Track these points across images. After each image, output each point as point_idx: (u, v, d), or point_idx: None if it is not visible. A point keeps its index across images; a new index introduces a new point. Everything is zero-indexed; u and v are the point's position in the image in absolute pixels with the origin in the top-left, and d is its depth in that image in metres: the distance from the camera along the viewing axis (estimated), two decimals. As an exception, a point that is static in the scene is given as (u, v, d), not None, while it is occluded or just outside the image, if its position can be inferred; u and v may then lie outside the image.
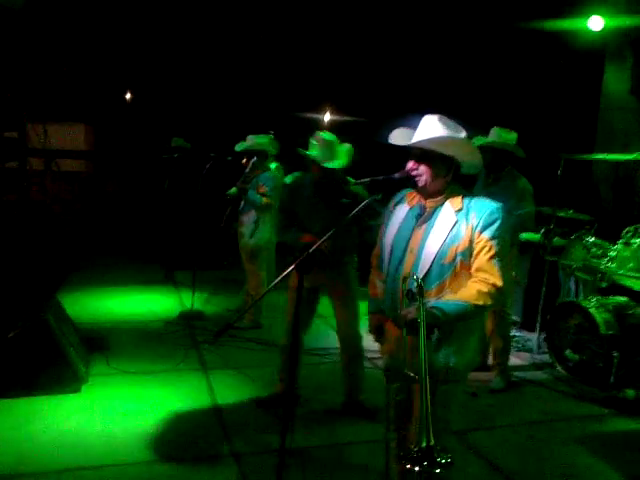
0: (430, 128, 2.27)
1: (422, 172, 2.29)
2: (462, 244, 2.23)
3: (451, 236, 2.25)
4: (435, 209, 2.33)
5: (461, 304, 2.19)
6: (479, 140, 4.16)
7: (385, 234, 2.48)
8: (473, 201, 2.28)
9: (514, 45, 6.92)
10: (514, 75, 6.90)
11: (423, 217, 2.35)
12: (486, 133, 4.29)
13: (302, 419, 3.58)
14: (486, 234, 2.20)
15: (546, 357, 4.86)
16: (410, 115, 2.46)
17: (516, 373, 4.64)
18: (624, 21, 6.89)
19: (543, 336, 4.95)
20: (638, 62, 7.48)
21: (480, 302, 2.18)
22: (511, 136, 4.24)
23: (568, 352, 4.53)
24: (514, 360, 4.81)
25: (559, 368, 4.61)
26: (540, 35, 6.82)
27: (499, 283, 2.19)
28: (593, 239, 4.69)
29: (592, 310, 4.39)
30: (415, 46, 7.66)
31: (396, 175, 2.38)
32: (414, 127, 2.34)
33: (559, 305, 4.78)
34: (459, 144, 2.28)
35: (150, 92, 9.19)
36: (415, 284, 2.17)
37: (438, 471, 1.75)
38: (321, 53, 8.34)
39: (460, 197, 2.31)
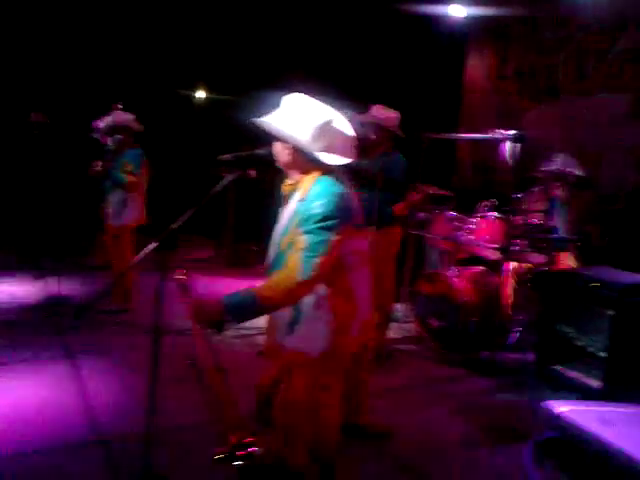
0: (285, 109, 2.23)
1: (277, 151, 2.27)
2: (289, 237, 2.20)
3: (286, 227, 2.24)
4: (290, 194, 2.30)
5: (248, 298, 2.10)
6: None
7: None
8: (315, 189, 2.17)
9: (383, 26, 7.12)
10: (384, 56, 7.11)
11: (282, 203, 2.34)
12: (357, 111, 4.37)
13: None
14: (302, 227, 2.13)
15: (412, 326, 5.11)
16: (280, 92, 2.38)
17: (389, 344, 4.81)
18: (483, 10, 7.34)
19: (409, 306, 5.21)
20: (496, 49, 8.01)
21: (268, 298, 2.09)
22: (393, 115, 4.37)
23: (432, 320, 4.79)
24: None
25: (424, 336, 4.88)
26: (409, 18, 7.07)
27: (297, 277, 2.07)
28: (454, 213, 4.97)
29: (453, 279, 4.67)
30: (289, 25, 7.66)
31: (260, 151, 2.36)
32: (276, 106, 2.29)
33: (423, 275, 5.04)
34: (322, 128, 2.17)
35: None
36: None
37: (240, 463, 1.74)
38: (194, 26, 8.10)
39: (311, 184, 2.20)
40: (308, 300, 2.21)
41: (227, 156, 2.46)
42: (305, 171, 2.25)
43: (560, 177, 4.75)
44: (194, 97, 8.79)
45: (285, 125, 2.19)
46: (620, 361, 3.67)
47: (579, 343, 3.90)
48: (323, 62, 7.09)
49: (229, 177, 2.34)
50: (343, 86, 5.76)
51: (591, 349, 3.82)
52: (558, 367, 4.04)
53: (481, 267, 4.96)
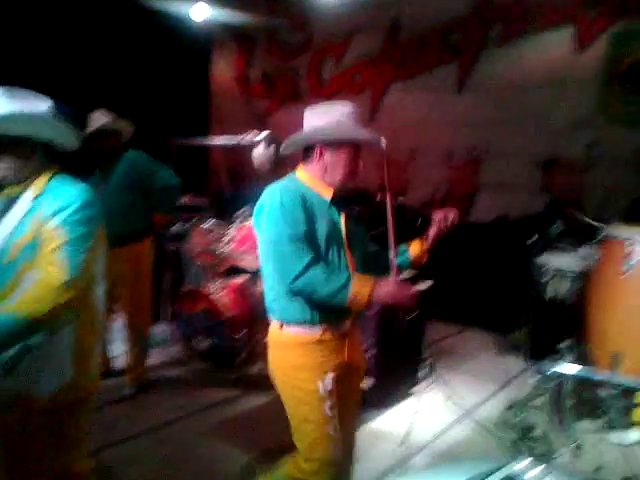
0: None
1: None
2: (26, 238, 1.79)
3: (18, 228, 1.81)
4: (16, 198, 1.87)
5: (5, 318, 1.68)
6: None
7: None
8: (56, 184, 1.87)
9: (122, 25, 6.52)
10: (122, 57, 6.52)
11: (5, 205, 1.87)
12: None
13: None
14: (54, 222, 1.79)
15: (178, 348, 4.71)
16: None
17: (149, 372, 4.33)
18: (225, 13, 7.19)
19: (173, 326, 4.79)
20: (239, 53, 7.95)
21: (29, 312, 1.68)
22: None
23: (198, 339, 4.46)
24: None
25: (191, 358, 4.52)
26: (150, 18, 6.59)
27: (64, 277, 1.73)
28: (211, 223, 4.68)
29: (215, 295, 4.39)
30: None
31: None
32: None
33: (184, 293, 4.67)
34: (40, 119, 1.86)
35: None
36: None
37: None
38: None
39: (46, 178, 1.88)
40: None
41: None
42: (37, 169, 1.89)
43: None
44: None
45: (17, 121, 1.80)
46: (384, 359, 3.75)
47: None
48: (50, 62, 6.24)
49: None
50: (77, 90, 5.09)
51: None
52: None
53: (244, 278, 4.75)
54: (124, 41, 6.40)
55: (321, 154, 2.19)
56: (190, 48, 7.36)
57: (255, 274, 4.69)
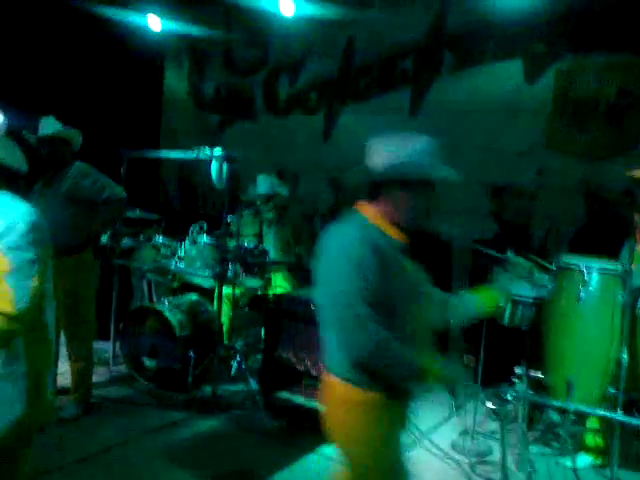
0: None
1: None
2: None
3: None
4: None
5: None
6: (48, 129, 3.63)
7: None
8: None
9: (70, 32, 6.33)
10: (72, 65, 6.32)
11: None
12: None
13: None
14: (1, 247, 1.66)
15: (124, 368, 4.53)
16: None
17: (93, 391, 4.12)
18: (180, 25, 7.09)
19: (119, 345, 4.61)
20: (193, 66, 7.85)
21: None
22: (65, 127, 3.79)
23: (146, 359, 4.30)
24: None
25: (138, 378, 4.35)
26: (102, 26, 6.42)
27: (13, 310, 1.63)
28: (162, 239, 4.55)
29: (166, 313, 4.25)
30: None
31: None
32: None
33: (132, 310, 4.51)
34: None
35: None
36: None
37: None
38: None
39: None
40: None
41: None
42: None
43: (269, 199, 4.72)
44: None
45: None
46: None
47: (302, 367, 3.84)
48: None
49: None
50: (27, 97, 4.89)
51: (315, 372, 3.78)
52: (283, 394, 3.93)
53: (194, 296, 4.64)
54: (75, 49, 6.22)
55: (397, 192, 1.94)
56: (143, 59, 7.24)
57: (207, 291, 4.61)
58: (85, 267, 3.89)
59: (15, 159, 1.83)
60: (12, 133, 1.99)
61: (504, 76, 5.56)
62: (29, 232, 1.69)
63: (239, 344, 4.49)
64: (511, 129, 5.49)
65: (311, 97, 6.98)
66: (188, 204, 7.68)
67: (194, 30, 7.20)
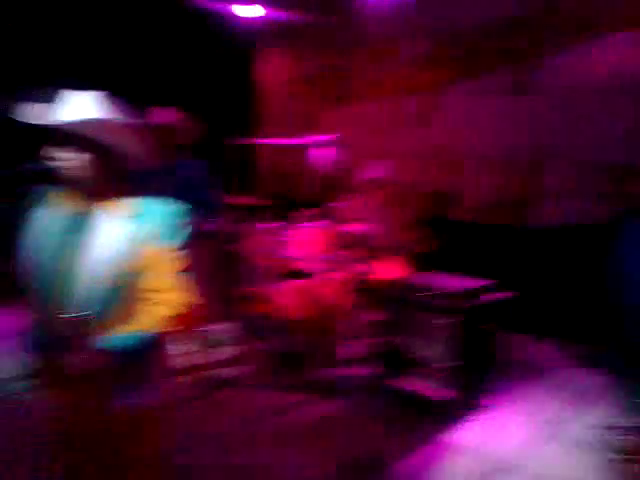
0: (82, 107, 1.69)
1: (73, 164, 1.69)
2: (128, 264, 1.74)
3: (116, 252, 1.72)
4: (93, 215, 1.76)
5: (140, 336, 1.74)
6: None
7: (25, 250, 1.79)
8: (141, 204, 1.80)
9: (167, 24, 6.45)
10: (168, 56, 6.43)
11: (78, 227, 1.75)
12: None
13: None
14: (157, 246, 1.77)
15: (236, 350, 4.52)
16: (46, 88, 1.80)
17: (214, 372, 4.14)
18: (273, 10, 7.06)
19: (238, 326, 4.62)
20: (289, 52, 7.80)
21: (162, 328, 1.78)
22: None
23: (258, 342, 4.31)
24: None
25: (251, 361, 4.34)
26: (195, 17, 6.50)
27: (181, 300, 1.81)
28: (267, 224, 4.52)
29: (281, 297, 4.26)
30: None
31: (29, 166, 1.76)
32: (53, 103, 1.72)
33: (243, 295, 4.52)
34: (120, 130, 1.76)
35: None
36: (77, 315, 1.67)
37: None
38: None
39: (125, 198, 1.80)
40: None
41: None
42: (106, 185, 1.78)
43: (377, 182, 4.57)
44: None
45: (105, 128, 1.71)
46: (461, 370, 3.54)
47: (419, 354, 3.70)
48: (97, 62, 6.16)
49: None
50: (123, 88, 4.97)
51: (431, 360, 3.63)
52: (398, 380, 3.82)
53: (304, 281, 4.58)
54: (169, 40, 6.31)
55: None
56: (234, 47, 7.25)
57: (315, 277, 4.55)
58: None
59: (137, 151, 1.82)
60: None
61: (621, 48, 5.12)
62: (181, 230, 1.81)
63: (351, 329, 4.39)
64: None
65: (409, 79, 6.76)
66: (284, 191, 7.68)
67: (287, 15, 7.15)
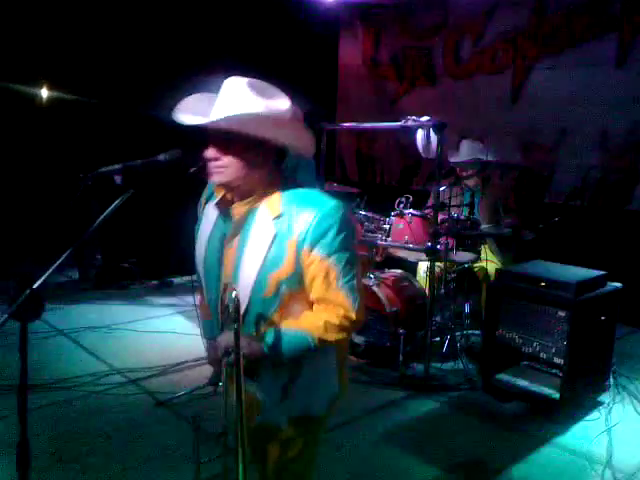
0: (235, 98, 1.53)
1: (227, 163, 1.55)
2: (286, 269, 1.58)
3: (270, 258, 1.58)
4: (246, 216, 1.63)
5: (300, 335, 1.59)
6: None
7: (197, 241, 1.78)
8: (296, 201, 1.58)
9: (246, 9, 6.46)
10: (249, 42, 6.44)
11: (233, 227, 1.66)
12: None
13: None
14: (318, 251, 1.55)
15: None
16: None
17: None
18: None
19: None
20: (368, 34, 7.65)
21: (328, 336, 1.60)
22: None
23: (355, 335, 4.24)
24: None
25: (348, 355, 4.31)
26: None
27: (352, 314, 1.59)
28: (365, 212, 4.44)
29: (374, 288, 4.15)
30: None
31: (162, 157, 1.65)
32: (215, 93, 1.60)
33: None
34: (281, 120, 1.56)
35: None
36: (233, 304, 1.54)
37: None
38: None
39: (279, 196, 1.60)
40: None
41: (114, 167, 1.74)
42: (266, 180, 1.62)
43: (478, 166, 4.42)
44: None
45: (259, 121, 1.53)
46: (578, 366, 3.37)
47: (527, 349, 3.55)
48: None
49: (122, 197, 1.55)
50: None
51: (543, 355, 3.48)
52: (505, 376, 3.68)
53: (400, 271, 4.49)
54: (251, 24, 6.30)
55: None
56: (318, 30, 7.17)
57: (409, 266, 4.45)
58: None
59: (306, 145, 1.64)
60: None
61: None
62: (343, 229, 1.57)
63: (447, 321, 4.28)
64: None
65: (498, 54, 6.49)
66: (366, 176, 7.58)
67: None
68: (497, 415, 3.57)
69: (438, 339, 4.31)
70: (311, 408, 1.74)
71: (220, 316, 1.72)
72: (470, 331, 4.48)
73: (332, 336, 1.60)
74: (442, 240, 4.00)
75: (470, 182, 4.53)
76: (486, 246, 4.36)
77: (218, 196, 1.70)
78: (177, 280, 6.32)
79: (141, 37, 5.95)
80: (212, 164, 1.56)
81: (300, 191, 1.62)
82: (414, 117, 4.01)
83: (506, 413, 3.60)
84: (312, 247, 1.54)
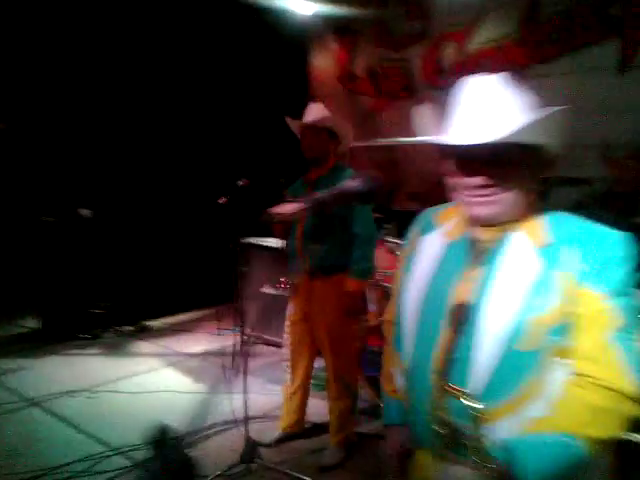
0: (502, 102, 1.23)
1: (503, 189, 1.19)
2: (552, 315, 1.15)
3: (534, 297, 1.16)
4: (498, 245, 1.24)
5: (566, 443, 1.08)
6: None
7: (406, 285, 1.35)
8: (567, 226, 1.22)
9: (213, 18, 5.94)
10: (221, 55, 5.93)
11: (474, 257, 1.26)
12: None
13: None
14: (600, 289, 1.14)
15: (367, 393, 3.87)
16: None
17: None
18: (328, 6, 6.54)
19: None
20: (341, 49, 7.22)
21: (596, 432, 1.09)
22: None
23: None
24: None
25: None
26: (252, 12, 5.97)
27: (626, 387, 1.09)
28: (396, 241, 3.89)
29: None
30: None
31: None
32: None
33: (371, 326, 3.88)
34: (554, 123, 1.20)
35: None
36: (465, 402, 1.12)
37: None
38: None
39: (542, 221, 1.23)
40: None
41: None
42: (526, 207, 1.25)
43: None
44: None
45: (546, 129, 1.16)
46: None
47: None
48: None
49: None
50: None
51: None
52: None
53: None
54: (223, 37, 5.83)
55: None
56: (291, 43, 6.70)
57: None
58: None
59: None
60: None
61: None
62: (632, 272, 1.13)
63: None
64: None
65: (484, 63, 6.16)
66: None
67: (342, 10, 6.62)
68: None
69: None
70: None
71: (437, 381, 1.20)
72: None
73: (602, 430, 1.10)
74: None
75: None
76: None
77: (444, 224, 1.31)
78: (155, 324, 5.55)
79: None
80: (473, 192, 1.18)
81: (569, 217, 1.26)
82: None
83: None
84: (593, 284, 1.15)
